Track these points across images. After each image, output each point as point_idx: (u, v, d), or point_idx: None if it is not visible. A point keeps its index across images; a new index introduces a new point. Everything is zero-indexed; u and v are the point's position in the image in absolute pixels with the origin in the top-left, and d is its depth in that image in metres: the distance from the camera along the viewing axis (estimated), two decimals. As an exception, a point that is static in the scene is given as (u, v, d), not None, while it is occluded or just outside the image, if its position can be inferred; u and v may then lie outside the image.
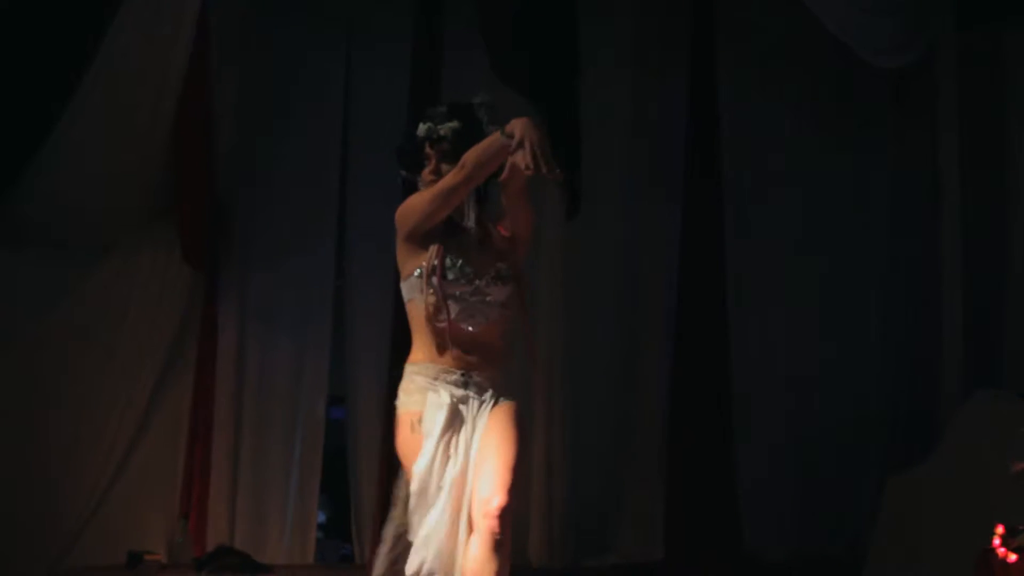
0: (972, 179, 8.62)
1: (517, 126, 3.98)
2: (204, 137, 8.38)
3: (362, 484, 8.69)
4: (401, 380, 4.31)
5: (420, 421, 4.15)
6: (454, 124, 4.28)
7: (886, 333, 9.65)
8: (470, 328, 4.19)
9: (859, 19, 7.98)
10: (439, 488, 4.07)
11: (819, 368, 9.48)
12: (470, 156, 4.09)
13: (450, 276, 4.16)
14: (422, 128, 4.32)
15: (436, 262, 4.15)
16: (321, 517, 9.18)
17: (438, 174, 4.26)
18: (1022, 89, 8.54)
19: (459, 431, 4.13)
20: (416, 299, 4.20)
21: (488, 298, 4.20)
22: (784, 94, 9.52)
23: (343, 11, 9.01)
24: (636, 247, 9.24)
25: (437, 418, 4.10)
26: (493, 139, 4.04)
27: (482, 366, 4.22)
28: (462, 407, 4.15)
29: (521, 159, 3.93)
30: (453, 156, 4.21)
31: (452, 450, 4.10)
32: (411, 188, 4.47)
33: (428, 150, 4.31)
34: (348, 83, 9.02)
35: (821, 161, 9.59)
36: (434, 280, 4.13)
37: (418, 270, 4.17)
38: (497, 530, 4.00)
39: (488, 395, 4.21)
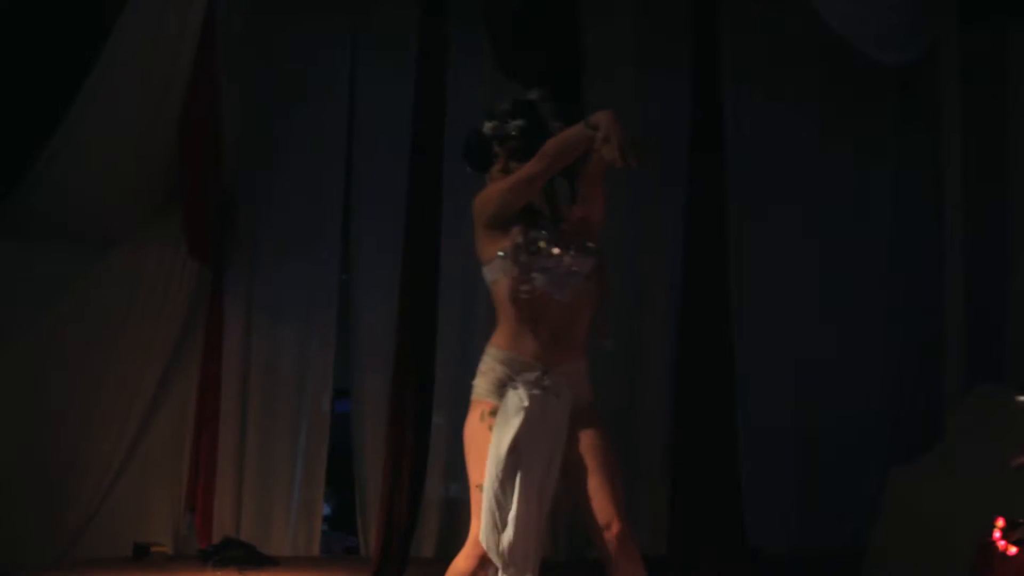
0: (974, 176, 8.62)
1: (602, 118, 4.00)
2: (210, 133, 8.42)
3: (367, 477, 8.74)
4: (482, 359, 4.32)
5: (492, 413, 4.17)
6: (520, 122, 4.31)
7: (889, 330, 9.64)
8: (560, 298, 4.19)
9: (862, 15, 7.98)
10: (515, 496, 4.08)
11: (821, 365, 9.48)
12: (552, 146, 4.12)
13: (532, 249, 4.19)
14: (488, 126, 4.35)
15: (520, 239, 4.20)
16: (326, 510, 9.22)
17: (507, 172, 4.30)
18: (1024, 84, 8.57)
19: (539, 436, 4.12)
20: (500, 279, 4.22)
21: (573, 268, 4.21)
22: (787, 91, 9.51)
23: (348, 8, 9.05)
24: (639, 245, 9.26)
25: (513, 421, 4.10)
26: (577, 130, 4.07)
27: (562, 358, 4.22)
28: (537, 408, 4.13)
29: (608, 152, 3.96)
30: (521, 154, 4.27)
31: (531, 461, 4.10)
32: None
33: (496, 148, 4.34)
34: (353, 80, 9.06)
35: (824, 158, 9.58)
36: (519, 254, 4.17)
37: (501, 252, 4.21)
38: (625, 550, 4.18)
39: (566, 394, 4.19)
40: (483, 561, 4.12)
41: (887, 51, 8.28)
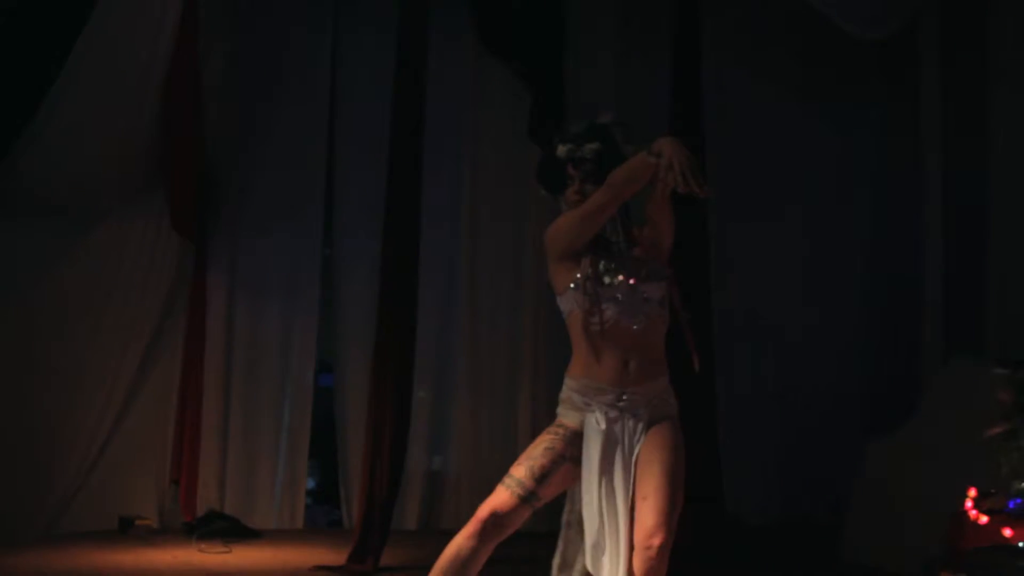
0: (954, 147, 8.68)
1: (665, 145, 3.98)
2: (193, 108, 8.45)
3: (350, 451, 8.80)
4: (562, 389, 4.33)
5: (556, 426, 4.22)
6: (595, 145, 4.27)
7: (869, 299, 9.73)
8: (634, 327, 4.20)
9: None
10: (605, 521, 4.10)
11: (802, 334, 9.57)
12: (618, 176, 4.10)
13: (606, 280, 4.19)
14: (563, 149, 4.31)
15: (590, 271, 4.19)
16: (311, 483, 9.26)
17: (583, 194, 4.25)
18: (1004, 57, 8.55)
19: (616, 457, 4.13)
20: (574, 311, 4.23)
21: (645, 295, 4.21)
22: (768, 66, 9.56)
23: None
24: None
25: (593, 447, 4.14)
26: (640, 159, 4.04)
27: (638, 380, 4.21)
28: (615, 428, 4.14)
29: (671, 178, 3.95)
30: (596, 176, 4.22)
31: (612, 481, 4.12)
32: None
33: (571, 171, 4.29)
34: (335, 54, 9.07)
35: (805, 131, 9.64)
36: (589, 286, 4.16)
37: (573, 283, 4.22)
38: (657, 566, 4.06)
39: (642, 412, 4.19)
40: (483, 538, 4.12)
41: (868, 25, 8.29)
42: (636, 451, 4.14)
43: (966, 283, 8.59)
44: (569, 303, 4.24)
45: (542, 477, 4.13)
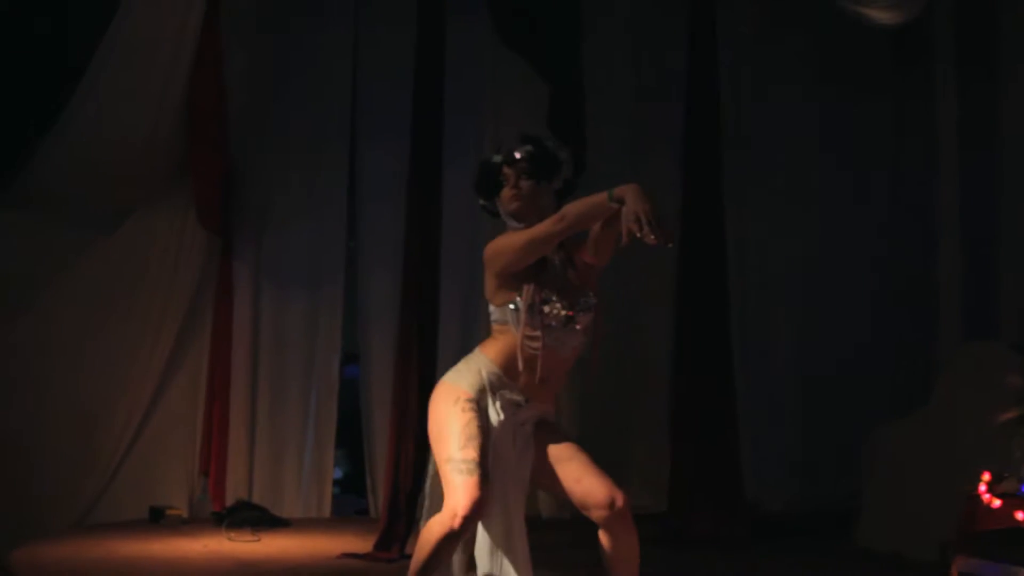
0: (969, 132, 8.71)
1: (628, 193, 4.02)
2: (216, 102, 8.52)
3: (376, 441, 8.88)
4: (469, 357, 4.39)
5: (467, 400, 4.24)
6: (529, 147, 4.35)
7: (886, 286, 9.76)
8: (562, 355, 4.32)
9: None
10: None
11: (820, 321, 9.63)
12: (572, 210, 4.15)
13: (545, 309, 4.27)
14: (497, 156, 4.40)
15: (533, 298, 4.26)
16: (338, 473, 9.34)
17: (518, 188, 4.33)
18: (1018, 42, 8.58)
19: (502, 453, 4.22)
20: (510, 328, 4.29)
21: (577, 326, 4.32)
22: (783, 54, 9.61)
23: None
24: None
25: (490, 429, 4.22)
26: (600, 200, 4.09)
27: (543, 397, 4.34)
28: (507, 424, 4.24)
29: (635, 228, 3.97)
30: (530, 172, 4.32)
31: (504, 475, 4.22)
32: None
33: (506, 171, 4.37)
34: (356, 47, 9.12)
35: (821, 119, 9.68)
36: (529, 315, 4.24)
37: (512, 304, 4.28)
38: (630, 520, 4.26)
39: (529, 426, 4.30)
40: (452, 531, 4.08)
41: (883, 12, 8.32)
42: (525, 453, 4.25)
43: (982, 269, 8.64)
44: (504, 317, 4.31)
45: (486, 454, 4.16)
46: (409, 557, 6.70)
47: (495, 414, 4.23)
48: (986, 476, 5.62)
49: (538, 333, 4.24)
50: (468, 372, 4.32)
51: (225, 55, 8.59)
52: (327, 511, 8.95)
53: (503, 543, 4.23)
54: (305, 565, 7.03)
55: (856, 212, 9.76)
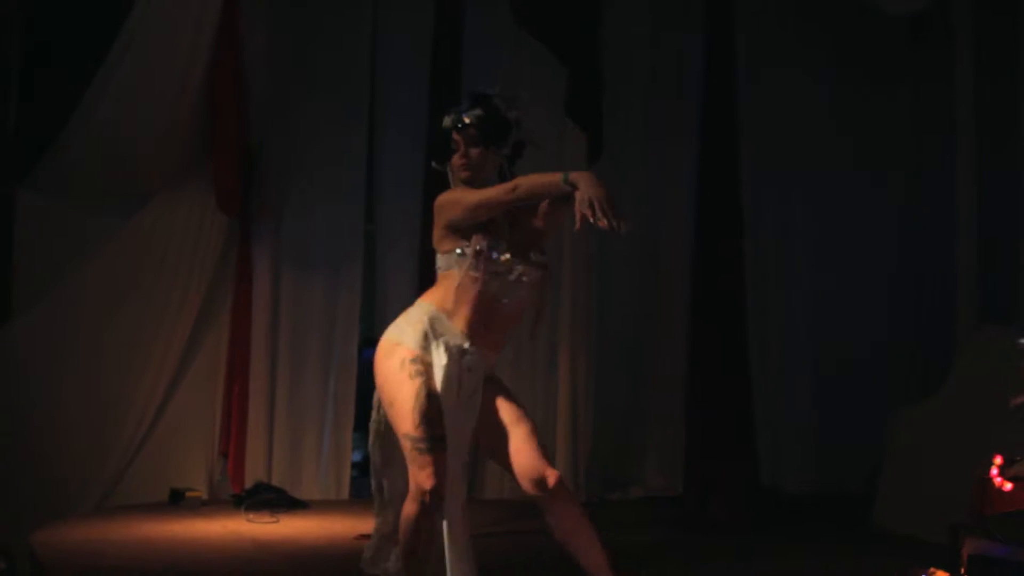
0: (988, 119, 8.69)
1: (582, 180, 4.17)
2: (236, 88, 8.56)
3: (394, 423, 8.89)
4: (411, 309, 4.49)
5: (412, 361, 4.31)
6: (478, 111, 4.47)
7: (904, 270, 9.77)
8: (504, 301, 4.41)
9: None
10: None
11: (837, 305, 9.64)
12: (525, 184, 4.30)
13: (494, 256, 4.37)
14: (447, 120, 4.52)
15: (482, 245, 4.37)
16: (356, 455, 9.37)
17: (468, 157, 4.46)
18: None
19: (449, 397, 4.30)
20: (454, 271, 4.40)
21: (524, 278, 4.42)
22: (801, 41, 9.61)
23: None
24: (656, 188, 9.42)
25: (438, 374, 4.30)
26: (554, 180, 4.23)
27: (487, 345, 4.43)
28: (453, 369, 4.31)
29: (587, 211, 4.11)
30: (478, 140, 4.45)
31: (452, 416, 4.31)
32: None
33: (456, 137, 4.50)
34: (374, 31, 9.12)
35: (838, 106, 9.69)
36: (477, 261, 4.35)
37: (459, 249, 4.39)
38: (567, 492, 4.37)
39: (478, 369, 4.39)
40: (424, 506, 4.23)
41: (899, 2, 8.32)
42: (469, 404, 4.34)
43: (1000, 254, 8.63)
44: (450, 264, 4.42)
45: (436, 421, 4.25)
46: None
47: (438, 358, 4.30)
48: (998, 460, 5.64)
49: (478, 275, 4.34)
50: (408, 325, 4.41)
51: (244, 41, 8.62)
52: (345, 493, 9.00)
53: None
54: (323, 546, 7.09)
55: (874, 197, 9.76)
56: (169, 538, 7.19)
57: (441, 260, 4.46)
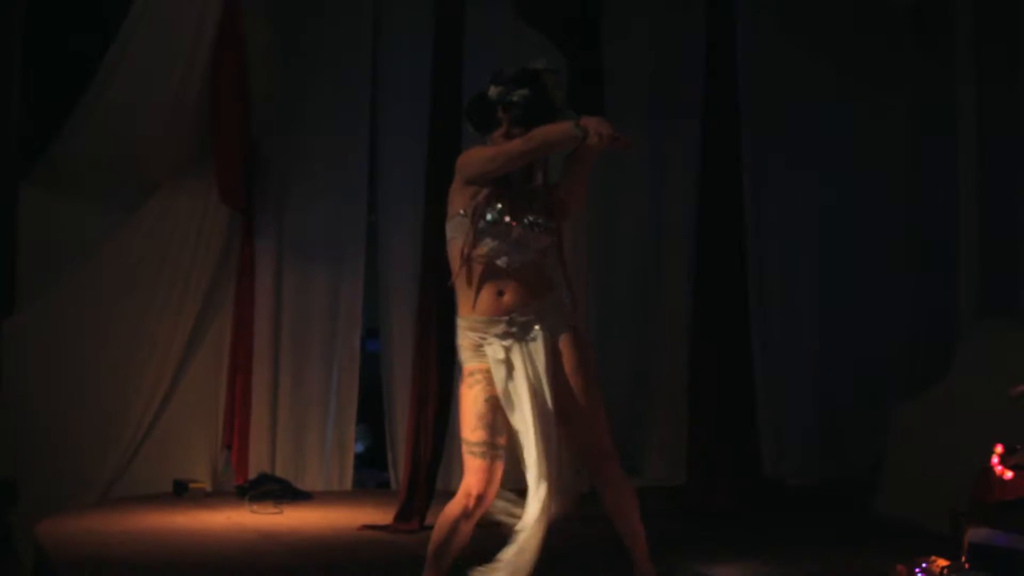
0: (989, 109, 8.69)
1: (591, 123, 4.18)
2: (238, 81, 8.58)
3: (397, 415, 8.93)
4: (456, 336, 4.53)
5: (469, 375, 4.41)
6: (525, 91, 4.43)
7: (906, 260, 9.79)
8: (501, 264, 4.37)
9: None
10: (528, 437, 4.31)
11: (839, 295, 9.67)
12: (540, 134, 4.28)
13: (488, 216, 4.36)
14: (494, 91, 4.48)
15: (482, 204, 4.37)
16: (359, 446, 9.40)
17: (509, 137, 4.42)
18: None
19: (521, 383, 4.29)
20: (457, 239, 4.41)
21: (522, 241, 4.39)
22: (801, 28, 9.61)
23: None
24: (657, 180, 9.44)
25: (498, 378, 4.33)
26: (567, 129, 4.23)
27: (517, 307, 4.38)
28: (512, 357, 4.32)
29: (598, 142, 4.18)
30: (523, 121, 4.40)
31: (523, 408, 4.29)
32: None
33: (500, 114, 4.46)
34: (376, 23, 9.13)
35: (839, 93, 9.70)
36: (475, 217, 4.35)
37: (462, 210, 4.40)
38: (619, 471, 4.48)
39: (536, 332, 4.36)
40: (468, 511, 4.34)
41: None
42: (543, 373, 4.30)
43: (1001, 246, 8.64)
44: (454, 230, 4.43)
45: (496, 429, 4.34)
46: (429, 528, 6.81)
47: (493, 353, 4.34)
48: (999, 448, 5.66)
49: (484, 239, 4.34)
50: (461, 348, 4.49)
51: (246, 34, 8.63)
52: (348, 484, 9.01)
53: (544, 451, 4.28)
54: (327, 537, 7.12)
55: (875, 190, 9.78)
56: (173, 529, 7.23)
57: (448, 228, 4.47)
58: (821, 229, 9.72)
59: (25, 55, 8.40)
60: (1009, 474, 5.45)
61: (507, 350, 4.33)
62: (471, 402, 4.39)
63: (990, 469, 5.58)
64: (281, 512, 7.87)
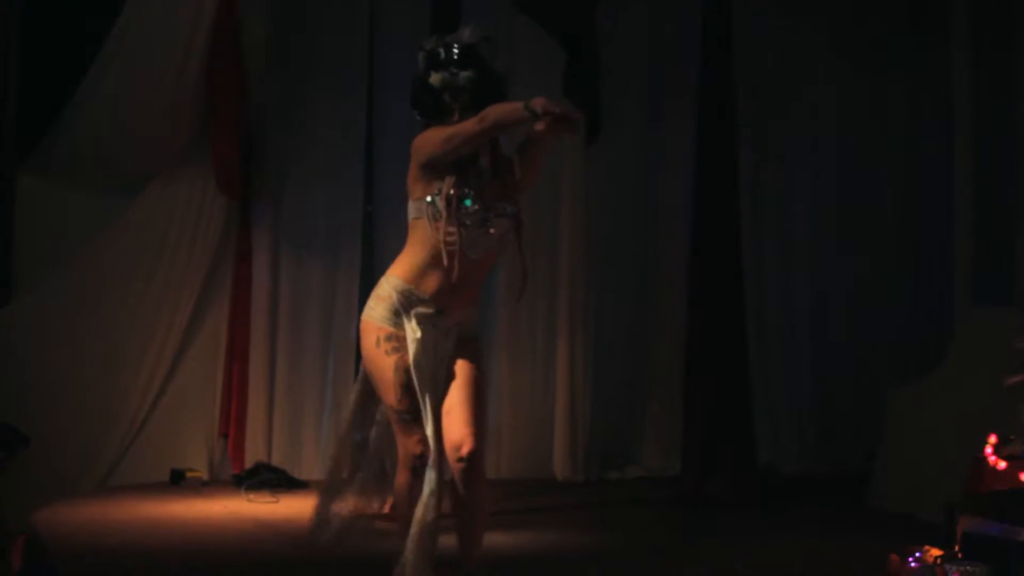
0: (985, 96, 8.70)
1: (539, 104, 4.14)
2: (235, 70, 8.57)
3: (392, 403, 8.92)
4: (380, 283, 4.53)
5: (386, 339, 4.41)
6: (469, 73, 4.39)
7: (902, 252, 9.81)
8: (472, 256, 4.38)
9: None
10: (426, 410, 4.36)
11: (835, 285, 9.69)
12: (491, 114, 4.24)
13: (467, 203, 4.33)
14: (437, 78, 4.44)
15: (452, 192, 4.33)
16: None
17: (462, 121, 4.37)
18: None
19: (425, 365, 4.35)
20: (423, 219, 4.37)
21: (491, 231, 4.40)
22: (798, 14, 9.63)
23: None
24: (655, 169, 9.44)
25: (412, 348, 4.36)
26: (516, 109, 4.19)
27: (457, 304, 4.44)
28: (427, 339, 4.37)
29: (545, 129, 4.18)
30: (474, 104, 4.35)
31: (421, 381, 4.34)
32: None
33: (448, 100, 4.42)
34: (372, 12, 9.12)
35: (835, 80, 9.72)
36: (447, 206, 4.31)
37: (430, 196, 4.35)
38: (472, 475, 4.37)
39: (452, 331, 4.45)
40: (415, 472, 4.37)
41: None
42: (442, 364, 4.39)
43: (996, 234, 8.66)
44: (420, 212, 4.40)
45: (413, 393, 4.35)
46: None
47: (411, 332, 4.36)
48: (992, 439, 5.69)
49: (453, 229, 4.32)
50: (379, 302, 4.47)
51: (243, 22, 8.62)
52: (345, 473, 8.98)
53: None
54: (323, 526, 7.13)
55: (871, 181, 9.79)
56: (170, 518, 7.25)
57: (412, 208, 4.45)
58: (817, 218, 9.72)
59: (22, 43, 8.41)
60: (1002, 464, 5.48)
61: (424, 334, 4.36)
62: (391, 370, 4.39)
63: (984, 459, 5.61)
64: (277, 501, 7.88)
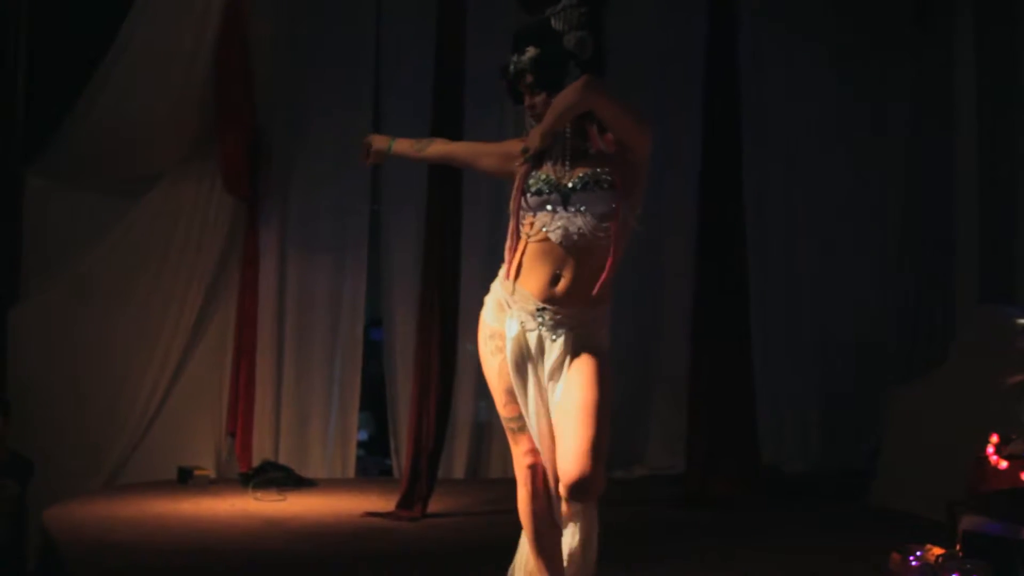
0: (987, 95, 8.73)
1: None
2: (242, 70, 8.60)
3: (400, 403, 8.97)
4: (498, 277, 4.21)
5: (490, 337, 4.12)
6: (531, 53, 4.03)
7: (905, 250, 9.83)
8: (560, 243, 3.96)
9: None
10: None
11: (840, 285, 9.70)
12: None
13: (533, 189, 4.02)
14: (506, 66, 4.14)
15: (519, 182, 4.06)
16: (362, 435, 9.44)
17: (533, 105, 4.07)
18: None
19: (527, 369, 4.02)
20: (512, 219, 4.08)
21: (582, 207, 3.96)
22: (803, 14, 9.65)
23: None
24: (660, 170, 9.45)
25: (509, 347, 4.04)
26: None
27: (563, 300, 3.98)
28: (528, 338, 4.00)
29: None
30: (539, 85, 4.03)
31: (525, 392, 4.04)
32: None
33: (520, 87, 4.11)
34: (379, 11, 9.16)
35: (839, 82, 9.74)
36: (522, 196, 4.03)
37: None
38: (578, 502, 3.93)
39: (561, 334, 3.99)
40: (534, 487, 4.13)
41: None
42: (551, 373, 3.97)
43: (999, 233, 8.68)
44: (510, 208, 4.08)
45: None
46: (431, 516, 6.83)
47: (509, 330, 4.02)
48: (994, 438, 5.73)
49: (537, 214, 3.99)
50: (490, 301, 4.14)
51: (250, 22, 8.65)
52: (351, 472, 9.05)
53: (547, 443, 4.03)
54: (330, 524, 7.17)
55: (875, 179, 9.81)
56: (177, 516, 7.28)
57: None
58: (820, 216, 9.75)
59: (29, 42, 8.45)
60: (1004, 463, 5.53)
61: (523, 329, 4.00)
62: (496, 372, 4.11)
63: (985, 458, 5.65)
64: (284, 499, 7.91)
